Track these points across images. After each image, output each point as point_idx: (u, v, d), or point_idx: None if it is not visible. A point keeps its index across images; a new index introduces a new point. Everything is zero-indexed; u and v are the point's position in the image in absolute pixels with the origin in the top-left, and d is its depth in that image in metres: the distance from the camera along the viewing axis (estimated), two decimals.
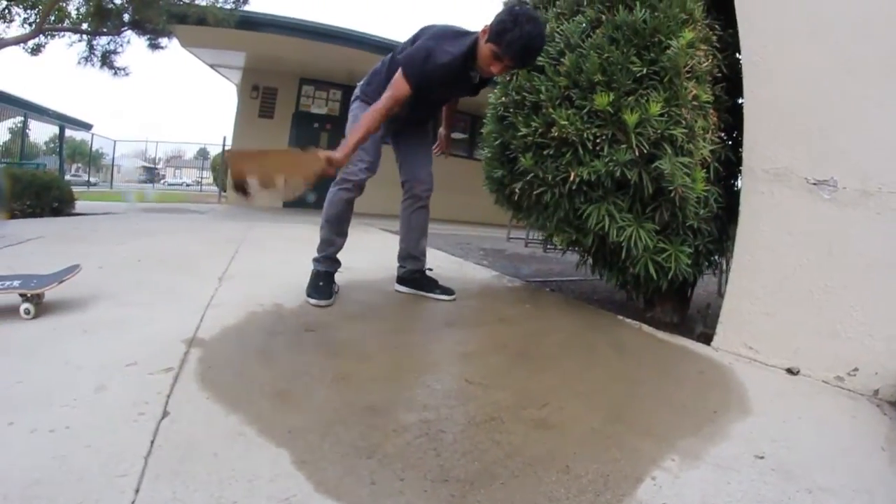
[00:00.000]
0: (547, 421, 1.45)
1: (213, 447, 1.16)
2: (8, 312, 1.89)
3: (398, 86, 2.17)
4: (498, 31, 2.07)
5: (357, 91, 2.56)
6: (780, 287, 2.11)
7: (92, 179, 20.86)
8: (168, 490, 1.00)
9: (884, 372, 1.86)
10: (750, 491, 1.20)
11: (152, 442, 1.16)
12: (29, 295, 1.91)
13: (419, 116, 2.59)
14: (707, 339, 2.30)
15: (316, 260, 2.50)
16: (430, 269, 2.81)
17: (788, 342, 2.07)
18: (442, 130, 2.89)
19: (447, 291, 2.71)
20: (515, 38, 2.04)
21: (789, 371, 2.03)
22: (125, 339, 1.75)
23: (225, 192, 10.89)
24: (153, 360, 1.59)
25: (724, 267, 2.79)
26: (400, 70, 2.18)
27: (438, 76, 2.18)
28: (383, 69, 2.44)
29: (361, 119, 2.21)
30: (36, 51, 7.16)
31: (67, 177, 14.98)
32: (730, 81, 2.41)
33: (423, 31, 2.35)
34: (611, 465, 1.25)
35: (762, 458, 1.35)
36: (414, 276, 2.75)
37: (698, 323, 2.59)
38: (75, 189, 7.08)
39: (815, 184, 2.04)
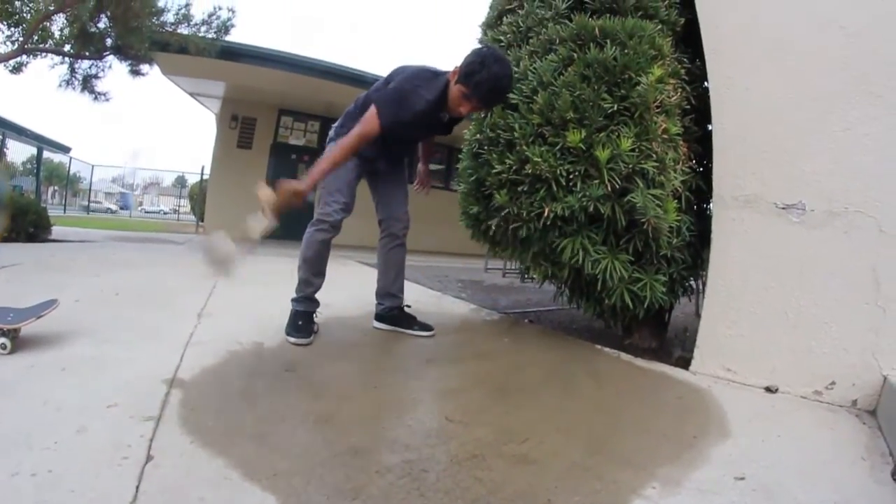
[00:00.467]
0: (528, 456, 1.46)
1: (199, 492, 1.15)
2: None
3: (368, 123, 2.21)
4: (467, 72, 2.15)
5: (332, 133, 2.57)
6: (754, 309, 2.17)
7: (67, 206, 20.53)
8: None
9: (860, 383, 1.93)
10: None
11: (137, 487, 1.14)
12: (5, 329, 1.87)
13: (394, 156, 2.61)
14: (685, 363, 2.34)
15: (295, 300, 2.49)
16: (409, 306, 2.81)
17: (765, 362, 2.13)
18: (421, 166, 2.90)
19: (425, 328, 2.71)
20: (483, 79, 2.12)
21: (768, 389, 2.08)
22: (105, 378, 1.73)
23: (202, 222, 10.78)
24: (134, 401, 1.57)
25: (701, 289, 2.85)
26: (373, 107, 2.22)
27: (411, 120, 2.24)
28: (356, 111, 2.45)
29: (327, 151, 2.27)
30: (17, 69, 7.08)
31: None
32: (699, 112, 2.50)
33: (397, 71, 2.39)
34: (592, 497, 1.26)
35: (742, 479, 1.38)
36: (392, 314, 2.75)
37: (676, 347, 2.64)
38: (52, 213, 6.98)
39: (783, 208, 2.12)
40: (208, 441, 1.39)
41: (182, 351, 2.09)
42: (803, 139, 2.08)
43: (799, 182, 2.09)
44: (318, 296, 2.53)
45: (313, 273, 2.48)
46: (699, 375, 2.24)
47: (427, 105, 2.24)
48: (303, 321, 2.41)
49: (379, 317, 2.78)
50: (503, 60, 2.19)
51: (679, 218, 2.26)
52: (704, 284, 2.47)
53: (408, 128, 2.30)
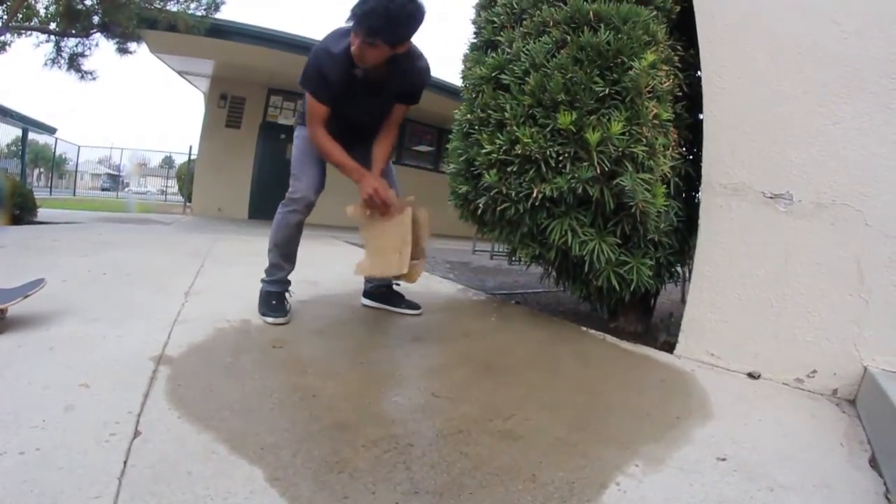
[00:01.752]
0: (513, 432, 1.48)
1: (186, 466, 1.16)
2: None
3: (312, 110, 2.20)
4: (356, 13, 1.94)
5: (298, 114, 2.56)
6: (740, 295, 2.20)
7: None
8: None
9: (841, 372, 1.96)
10: (712, 492, 1.25)
11: (125, 462, 1.15)
12: None
13: (355, 135, 2.40)
14: (670, 347, 2.36)
15: (265, 281, 2.45)
16: (398, 284, 2.78)
17: (748, 348, 2.16)
18: (373, 173, 2.31)
19: (413, 306, 2.70)
20: (369, 7, 1.90)
21: (750, 375, 2.12)
22: (93, 356, 1.73)
23: (190, 202, 10.70)
24: (122, 378, 1.57)
25: (687, 276, 2.88)
26: (306, 96, 2.22)
27: (331, 79, 2.12)
28: None
29: (328, 151, 2.26)
30: (1, 48, 6.94)
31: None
32: (690, 100, 2.51)
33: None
34: (576, 473, 1.29)
35: (724, 459, 1.41)
36: (381, 291, 2.73)
37: (661, 332, 2.67)
38: (38, 196, 6.90)
39: (771, 197, 2.13)
40: (196, 416, 1.40)
41: (170, 329, 2.08)
42: (793, 131, 2.09)
43: (787, 172, 2.10)
44: (305, 274, 2.52)
45: (284, 257, 2.45)
46: (683, 359, 2.27)
47: (334, 61, 2.09)
48: (276, 300, 2.38)
49: (367, 294, 2.76)
50: None
51: (667, 203, 2.27)
52: (690, 271, 2.50)
53: (334, 89, 2.15)
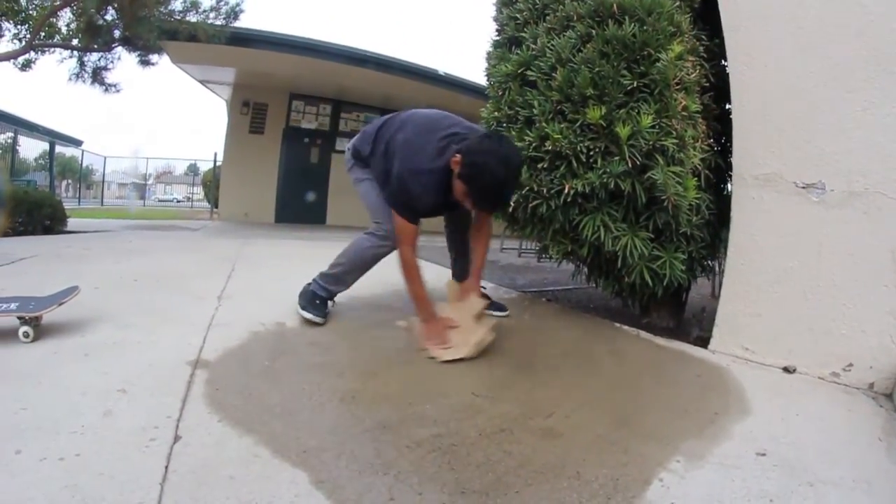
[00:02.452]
0: (554, 430, 1.48)
1: (228, 470, 1.17)
2: (6, 336, 1.88)
3: (402, 230, 2.16)
4: (469, 175, 1.97)
5: (350, 151, 2.53)
6: (773, 288, 2.16)
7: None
8: None
9: (878, 366, 1.92)
10: (754, 487, 1.24)
11: (166, 467, 1.16)
12: (27, 318, 1.89)
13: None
14: (704, 342, 2.33)
15: (319, 285, 2.44)
16: (484, 288, 2.71)
17: (783, 342, 2.12)
18: (470, 288, 2.35)
19: (499, 307, 2.70)
20: (486, 185, 1.95)
21: (786, 370, 2.08)
22: (128, 361, 1.75)
23: (217, 208, 10.86)
24: (159, 383, 1.59)
25: (718, 270, 2.83)
26: (393, 214, 2.17)
27: (427, 205, 2.14)
28: (373, 133, 2.42)
29: (406, 274, 2.20)
30: (26, 66, 7.10)
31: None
32: (717, 90, 2.47)
33: (403, 123, 2.30)
34: (619, 470, 1.28)
35: (764, 454, 1.40)
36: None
37: (694, 327, 2.63)
38: (67, 206, 7.06)
39: (803, 187, 2.09)
40: (236, 420, 1.40)
41: (204, 333, 2.11)
42: (823, 118, 2.05)
43: (819, 161, 2.06)
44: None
45: (351, 277, 2.46)
46: (718, 354, 2.23)
47: (435, 200, 2.13)
48: (320, 301, 2.40)
49: None
50: (507, 159, 1.97)
51: (699, 196, 2.23)
52: (721, 264, 2.45)
53: (429, 209, 2.18)
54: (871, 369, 1.93)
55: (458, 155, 2.02)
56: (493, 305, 2.67)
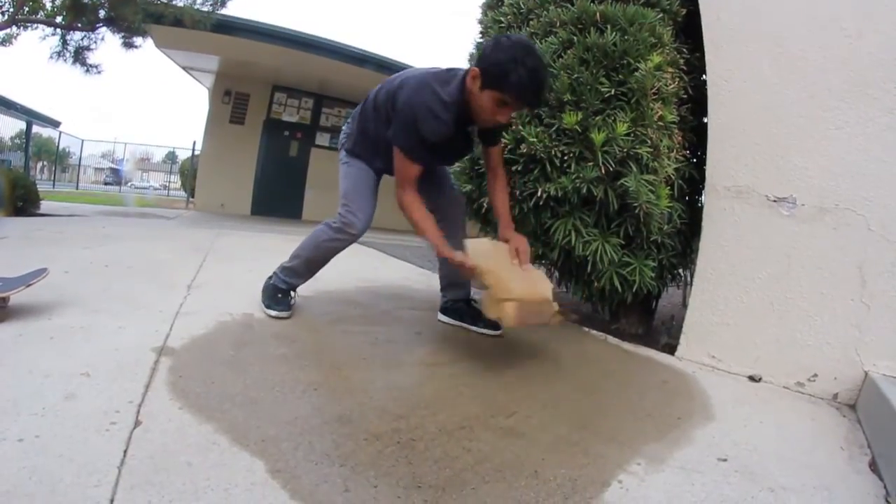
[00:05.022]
0: (515, 429, 1.48)
1: (187, 457, 1.16)
2: None
3: (403, 169, 1.99)
4: (496, 74, 1.78)
5: (342, 136, 2.39)
6: (742, 299, 2.20)
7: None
8: (143, 500, 1.00)
9: (842, 377, 1.97)
10: (714, 492, 1.26)
11: (125, 451, 1.14)
12: None
13: (432, 167, 2.25)
14: (671, 349, 2.37)
15: (279, 278, 2.40)
16: (474, 301, 2.49)
17: (750, 351, 2.16)
18: (506, 233, 2.12)
19: (493, 326, 2.35)
20: (522, 77, 1.75)
21: (751, 378, 2.12)
22: (94, 346, 1.73)
23: (193, 197, 10.71)
24: (123, 369, 1.57)
25: (688, 279, 2.88)
26: (395, 151, 1.98)
27: (440, 138, 1.92)
28: (360, 113, 2.32)
29: (416, 222, 2.01)
30: (6, 41, 6.94)
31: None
32: (695, 102, 2.51)
33: (403, 82, 2.04)
34: (578, 470, 1.29)
35: (725, 460, 1.42)
36: (457, 307, 2.50)
37: (663, 334, 2.67)
38: (41, 188, 6.92)
39: (774, 201, 2.14)
40: (197, 407, 1.39)
41: (172, 321, 2.08)
42: (798, 135, 2.09)
43: (791, 176, 2.11)
44: None
45: (308, 272, 2.41)
46: (685, 361, 2.27)
47: (448, 128, 1.91)
48: (282, 295, 2.36)
49: (443, 309, 2.55)
50: (532, 49, 1.82)
51: (671, 205, 2.27)
52: (692, 274, 2.49)
53: (438, 146, 1.97)
54: (835, 380, 1.98)
55: (474, 69, 1.85)
56: (486, 323, 2.37)
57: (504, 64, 1.76)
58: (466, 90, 1.91)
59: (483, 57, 1.85)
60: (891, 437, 1.49)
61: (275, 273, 2.44)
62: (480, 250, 2.00)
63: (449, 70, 2.02)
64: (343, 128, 2.41)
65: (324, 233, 2.28)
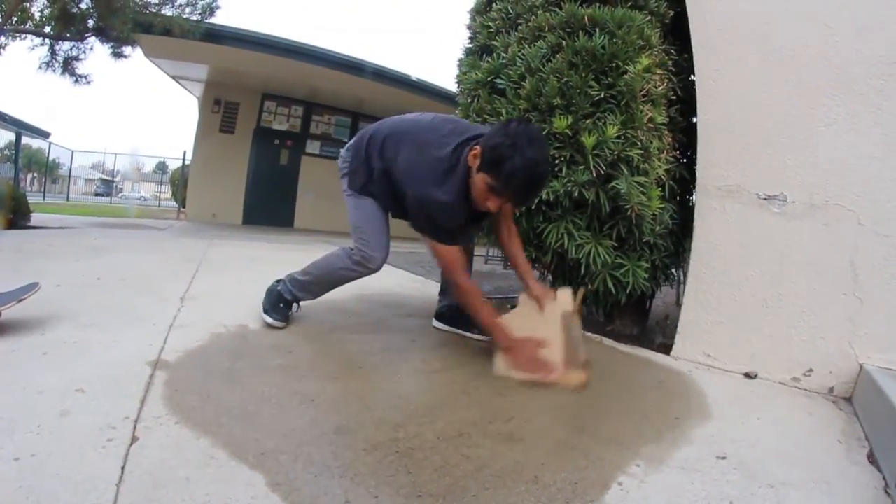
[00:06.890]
0: (514, 434, 1.48)
1: (185, 472, 1.15)
2: None
3: (445, 256, 1.97)
4: (492, 159, 1.71)
5: (342, 163, 2.31)
6: (735, 297, 2.21)
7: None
8: None
9: (837, 371, 1.99)
10: (713, 490, 1.26)
11: (122, 468, 1.13)
12: None
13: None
14: (667, 349, 2.38)
15: (287, 287, 2.36)
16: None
17: (745, 348, 2.18)
18: (530, 287, 2.11)
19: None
20: (517, 167, 1.67)
21: (747, 375, 2.14)
22: (88, 361, 1.71)
23: (184, 207, 10.66)
24: (118, 383, 1.56)
25: (682, 279, 2.89)
26: (429, 242, 1.96)
27: (456, 223, 1.94)
28: (360, 150, 2.21)
29: (470, 303, 2.01)
30: None
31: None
32: (684, 103, 2.53)
33: (397, 144, 2.05)
34: (578, 474, 1.29)
35: (724, 458, 1.42)
36: (452, 313, 2.50)
37: (657, 334, 2.68)
38: (31, 200, 6.87)
39: (765, 199, 2.15)
40: (194, 421, 1.38)
41: (165, 334, 2.07)
42: (787, 133, 2.12)
43: (781, 174, 2.13)
44: None
45: (319, 291, 2.38)
46: (680, 361, 2.28)
47: (461, 217, 1.91)
48: (284, 304, 2.34)
49: (438, 315, 2.58)
50: (538, 140, 1.74)
51: (662, 206, 2.29)
52: (685, 273, 2.51)
53: (461, 228, 2.00)
54: (830, 374, 2.00)
55: (476, 147, 1.80)
56: (480, 329, 2.32)
57: (502, 148, 1.69)
58: (467, 166, 1.86)
59: (487, 136, 1.80)
60: (888, 428, 1.50)
61: (284, 280, 2.40)
62: (523, 324, 2.02)
63: (437, 158, 1.91)
64: (342, 153, 2.35)
65: (341, 261, 2.25)
